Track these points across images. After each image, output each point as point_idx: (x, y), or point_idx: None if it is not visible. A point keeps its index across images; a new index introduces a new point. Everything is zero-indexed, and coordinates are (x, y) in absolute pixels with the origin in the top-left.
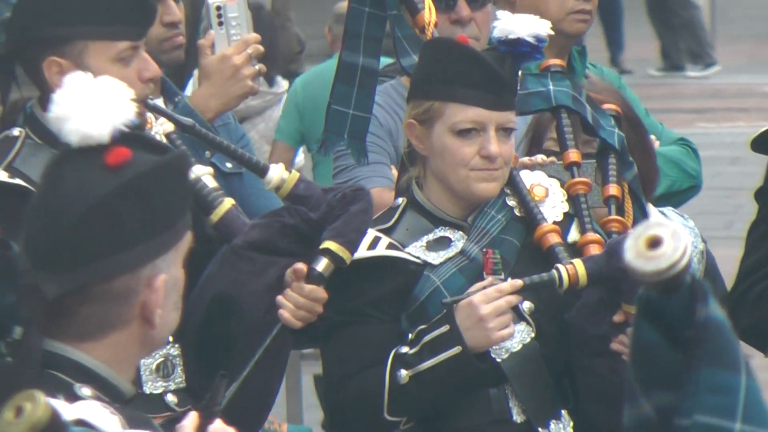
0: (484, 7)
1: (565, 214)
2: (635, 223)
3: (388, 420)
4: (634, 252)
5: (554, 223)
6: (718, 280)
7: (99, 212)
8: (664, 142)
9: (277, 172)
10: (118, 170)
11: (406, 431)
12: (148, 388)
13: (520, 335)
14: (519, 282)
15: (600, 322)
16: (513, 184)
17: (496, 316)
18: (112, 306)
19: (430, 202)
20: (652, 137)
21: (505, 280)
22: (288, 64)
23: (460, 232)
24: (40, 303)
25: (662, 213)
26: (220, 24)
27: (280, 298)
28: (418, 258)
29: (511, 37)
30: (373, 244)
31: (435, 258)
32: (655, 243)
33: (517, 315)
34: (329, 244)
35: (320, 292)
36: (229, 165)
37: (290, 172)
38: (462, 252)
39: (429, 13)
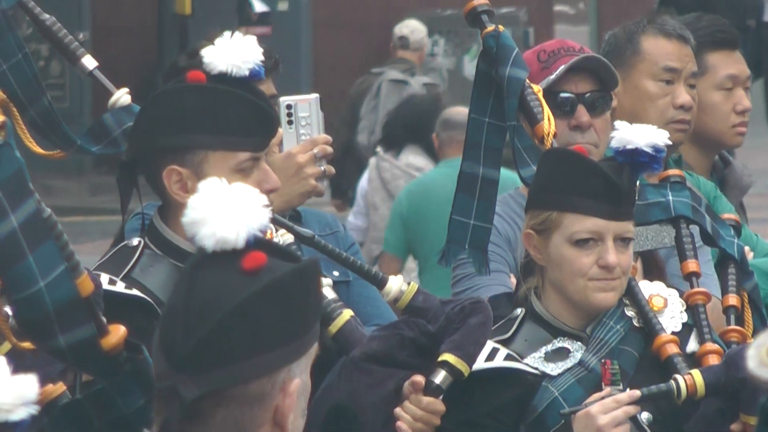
0: (603, 114)
1: (684, 324)
2: (755, 333)
3: None
4: (756, 361)
5: (673, 333)
6: None
7: (239, 315)
8: (758, 253)
9: (395, 284)
10: (254, 275)
11: None
12: None
13: None
14: (637, 392)
15: None
16: (631, 294)
17: (614, 426)
18: (247, 410)
19: (549, 313)
20: (746, 248)
21: (623, 390)
22: None
23: (579, 343)
24: (176, 406)
25: None
26: (290, 123)
27: (398, 410)
28: (536, 369)
29: (629, 147)
30: (492, 355)
31: (553, 369)
32: None
33: (636, 426)
34: (447, 357)
35: (438, 404)
36: (336, 273)
37: (408, 284)
38: (580, 363)
39: (548, 124)
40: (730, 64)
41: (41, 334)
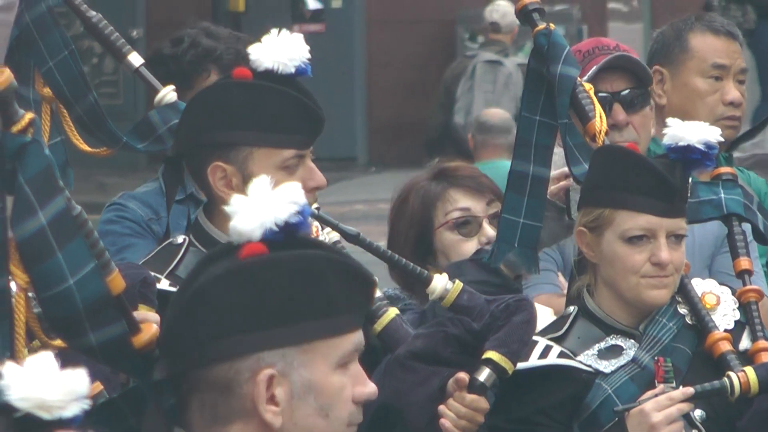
0: (641, 111)
1: (736, 322)
2: None
3: None
4: None
5: (726, 331)
6: None
7: (198, 299)
8: None
9: (440, 282)
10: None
11: None
12: None
13: None
14: (690, 390)
15: None
16: (684, 292)
17: (667, 424)
18: (217, 396)
19: (602, 310)
20: None
21: (676, 388)
22: None
23: (632, 340)
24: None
25: None
26: None
27: (441, 407)
28: (589, 366)
29: (682, 144)
30: (545, 353)
31: (606, 366)
32: None
33: (689, 423)
34: (491, 354)
35: (481, 402)
36: None
37: (453, 282)
38: (633, 360)
39: (600, 122)
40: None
41: (71, 331)
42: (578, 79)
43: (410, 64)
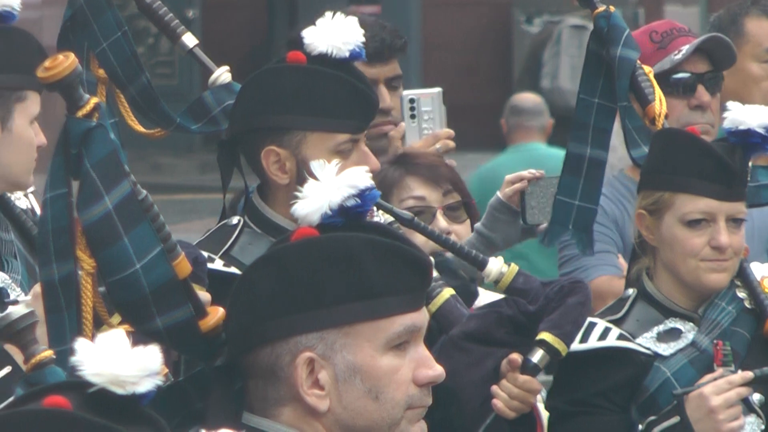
0: (716, 95)
1: None
2: None
3: None
4: None
5: None
6: None
7: (241, 286)
8: None
9: (496, 265)
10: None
11: None
12: None
13: (750, 427)
14: (749, 374)
15: None
16: (743, 276)
17: (727, 408)
18: (266, 382)
19: (661, 293)
20: None
21: (735, 371)
22: None
23: (691, 324)
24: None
25: None
26: (413, 117)
27: (494, 387)
28: (648, 349)
29: (742, 128)
30: (604, 335)
31: (665, 349)
32: None
33: (747, 407)
34: (545, 336)
35: (534, 383)
36: None
37: (509, 265)
38: (692, 343)
39: (659, 105)
40: None
41: (138, 316)
42: (638, 61)
43: (465, 46)
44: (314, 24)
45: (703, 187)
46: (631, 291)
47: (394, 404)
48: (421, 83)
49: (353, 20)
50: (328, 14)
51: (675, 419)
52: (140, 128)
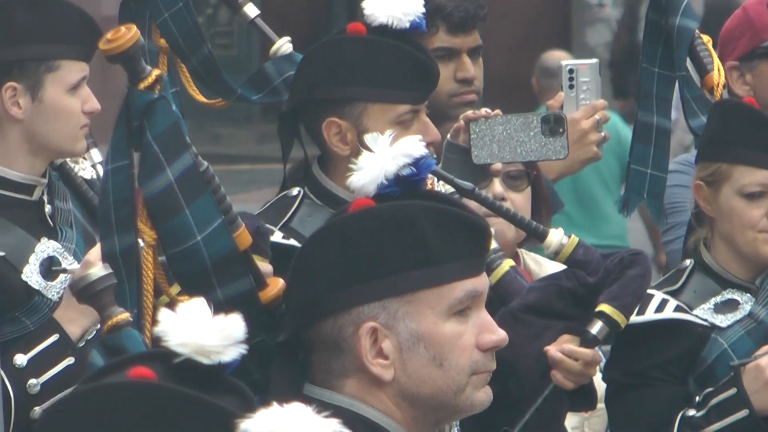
0: None
1: None
2: None
3: None
4: None
5: None
6: None
7: (300, 259)
8: None
9: (556, 237)
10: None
11: None
12: None
13: None
14: None
15: None
16: None
17: None
18: (329, 355)
19: (718, 264)
20: None
21: None
22: None
23: (748, 295)
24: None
25: None
26: (571, 87)
27: (554, 353)
28: (705, 320)
29: None
30: (661, 307)
31: (723, 321)
32: None
33: None
34: (604, 308)
35: (595, 354)
36: None
37: (569, 236)
38: (750, 314)
39: (718, 75)
40: None
41: (199, 287)
42: (696, 31)
43: (526, 19)
44: None
45: (762, 159)
46: (688, 262)
47: (459, 370)
48: (482, 54)
49: None
50: None
51: (732, 391)
52: (202, 98)
